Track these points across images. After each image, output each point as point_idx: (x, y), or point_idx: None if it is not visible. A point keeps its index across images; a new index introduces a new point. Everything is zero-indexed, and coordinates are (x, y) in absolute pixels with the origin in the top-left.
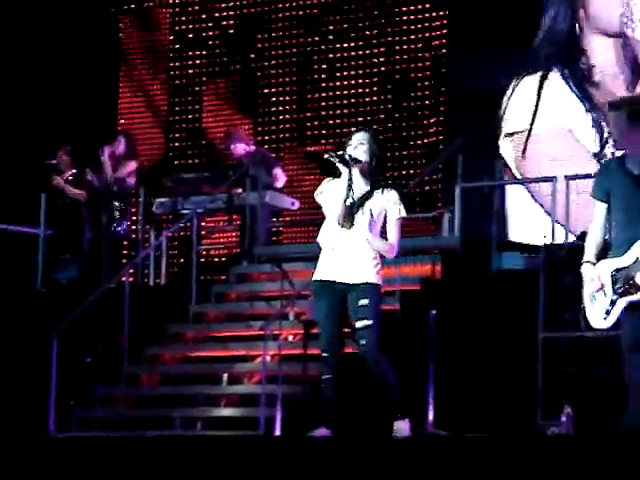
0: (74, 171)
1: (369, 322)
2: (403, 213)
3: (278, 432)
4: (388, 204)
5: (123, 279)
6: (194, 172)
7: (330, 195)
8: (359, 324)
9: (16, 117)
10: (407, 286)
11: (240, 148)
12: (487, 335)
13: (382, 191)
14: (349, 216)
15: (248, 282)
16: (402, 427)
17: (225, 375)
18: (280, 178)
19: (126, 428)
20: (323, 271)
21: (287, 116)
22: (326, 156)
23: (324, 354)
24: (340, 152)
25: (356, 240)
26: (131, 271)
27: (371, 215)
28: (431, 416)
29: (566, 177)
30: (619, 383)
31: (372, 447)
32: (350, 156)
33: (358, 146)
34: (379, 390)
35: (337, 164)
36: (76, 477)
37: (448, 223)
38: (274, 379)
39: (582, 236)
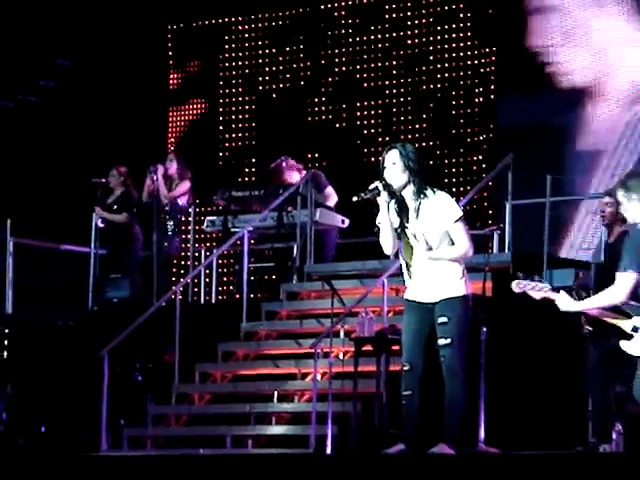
0: (120, 192)
1: (446, 341)
2: (458, 212)
3: (329, 450)
4: (439, 210)
5: (174, 297)
6: (245, 190)
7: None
8: (440, 342)
9: (69, 135)
10: None
11: (294, 176)
12: (538, 352)
13: (429, 199)
14: (407, 245)
15: (298, 300)
16: (442, 451)
17: (276, 393)
18: (332, 197)
19: (177, 446)
20: (409, 291)
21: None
22: (355, 199)
23: (405, 367)
24: (371, 187)
25: (424, 261)
26: (181, 289)
27: (426, 233)
28: (482, 433)
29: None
30: None
31: (419, 464)
32: (383, 184)
33: (390, 167)
34: (442, 409)
35: (377, 199)
36: None
37: (499, 240)
38: (325, 397)
39: None
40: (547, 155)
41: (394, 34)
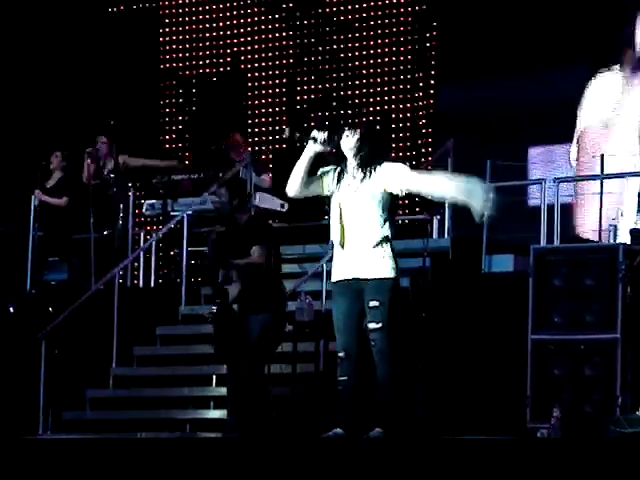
0: (59, 176)
1: (377, 325)
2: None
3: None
4: (386, 176)
5: (113, 280)
6: (184, 173)
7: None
8: (370, 326)
9: (9, 118)
10: None
11: (237, 153)
12: (477, 337)
13: (375, 171)
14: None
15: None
16: (377, 435)
17: (214, 376)
18: (268, 183)
19: (115, 431)
20: (337, 271)
21: (277, 117)
22: (287, 134)
23: (340, 355)
24: (315, 135)
25: (357, 232)
26: (121, 273)
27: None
28: (420, 418)
29: (555, 180)
30: (607, 385)
31: (360, 448)
32: (326, 140)
33: (348, 136)
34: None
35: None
36: (63, 479)
37: (438, 226)
38: None
39: (572, 239)
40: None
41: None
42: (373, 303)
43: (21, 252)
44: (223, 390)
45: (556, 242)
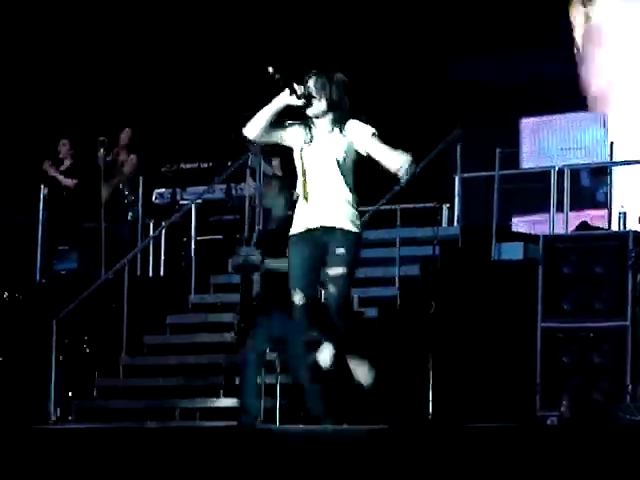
0: (69, 163)
1: (342, 270)
2: (372, 129)
3: (278, 422)
4: (353, 134)
5: (122, 269)
6: (194, 162)
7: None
8: (333, 271)
9: (17, 108)
10: (407, 276)
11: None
12: (486, 325)
13: (344, 129)
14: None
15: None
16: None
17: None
18: (275, 169)
19: (125, 419)
20: (300, 223)
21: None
22: (271, 70)
23: (299, 301)
24: (297, 89)
25: (327, 187)
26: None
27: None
28: (430, 406)
29: (565, 166)
30: (616, 373)
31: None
32: (304, 98)
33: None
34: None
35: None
36: (75, 468)
37: (448, 213)
38: (272, 369)
39: (581, 226)
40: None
41: None
42: (340, 250)
43: (31, 241)
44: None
45: (565, 229)
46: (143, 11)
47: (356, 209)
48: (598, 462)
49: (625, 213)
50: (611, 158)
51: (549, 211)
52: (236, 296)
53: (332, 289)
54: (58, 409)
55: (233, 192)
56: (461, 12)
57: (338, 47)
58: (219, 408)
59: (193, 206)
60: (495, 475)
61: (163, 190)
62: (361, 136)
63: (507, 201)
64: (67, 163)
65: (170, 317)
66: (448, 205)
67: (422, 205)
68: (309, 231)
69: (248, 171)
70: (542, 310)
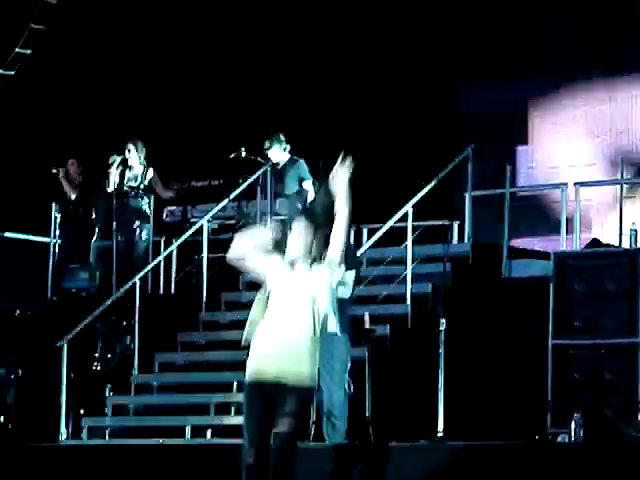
0: (80, 181)
1: None
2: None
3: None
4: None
5: (133, 287)
6: (204, 180)
7: None
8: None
9: (27, 126)
10: (417, 293)
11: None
12: (497, 342)
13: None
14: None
15: (258, 289)
16: None
17: (235, 383)
18: (311, 191)
19: (137, 436)
20: None
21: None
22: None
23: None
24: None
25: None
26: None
27: None
28: (441, 424)
29: (576, 184)
30: (627, 389)
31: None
32: None
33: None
34: None
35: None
36: None
37: (458, 231)
38: None
39: (592, 243)
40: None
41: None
42: None
43: (42, 259)
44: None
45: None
46: (156, 27)
47: None
48: (609, 478)
49: (636, 230)
50: (622, 176)
51: (560, 228)
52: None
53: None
54: (69, 427)
55: (244, 209)
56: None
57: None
58: (230, 426)
59: (204, 223)
60: None
61: (174, 207)
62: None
63: (517, 219)
64: (76, 182)
65: (181, 334)
66: (458, 222)
67: (432, 223)
68: None
69: (259, 188)
70: (553, 327)
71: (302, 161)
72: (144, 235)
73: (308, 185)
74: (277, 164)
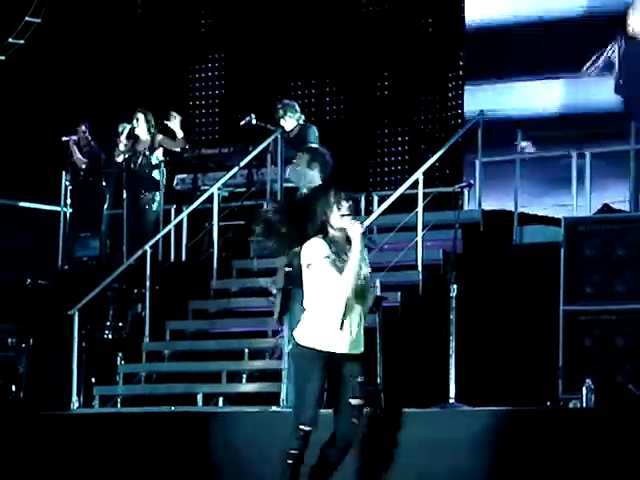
0: (90, 147)
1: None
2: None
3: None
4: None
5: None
6: (215, 147)
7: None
8: (355, 402)
9: (34, 94)
10: (428, 260)
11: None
12: (508, 308)
13: None
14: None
15: (269, 257)
16: None
17: (247, 350)
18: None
19: (148, 405)
20: (331, 343)
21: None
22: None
23: (307, 429)
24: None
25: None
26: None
27: None
28: (453, 390)
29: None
30: (638, 355)
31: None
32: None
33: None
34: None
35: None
36: (98, 453)
37: (469, 197)
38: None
39: (603, 209)
40: None
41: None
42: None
43: (53, 229)
44: (255, 364)
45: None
46: None
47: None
48: (621, 444)
49: None
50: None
51: (571, 194)
52: (259, 281)
53: (354, 420)
54: (81, 396)
55: (255, 177)
56: None
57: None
58: (242, 393)
59: (215, 191)
60: (519, 456)
61: (184, 176)
62: None
63: (528, 185)
64: (86, 150)
65: (192, 302)
66: (469, 189)
67: (443, 189)
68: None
69: (269, 155)
70: (564, 293)
71: (312, 127)
72: (155, 205)
73: None
74: (289, 131)
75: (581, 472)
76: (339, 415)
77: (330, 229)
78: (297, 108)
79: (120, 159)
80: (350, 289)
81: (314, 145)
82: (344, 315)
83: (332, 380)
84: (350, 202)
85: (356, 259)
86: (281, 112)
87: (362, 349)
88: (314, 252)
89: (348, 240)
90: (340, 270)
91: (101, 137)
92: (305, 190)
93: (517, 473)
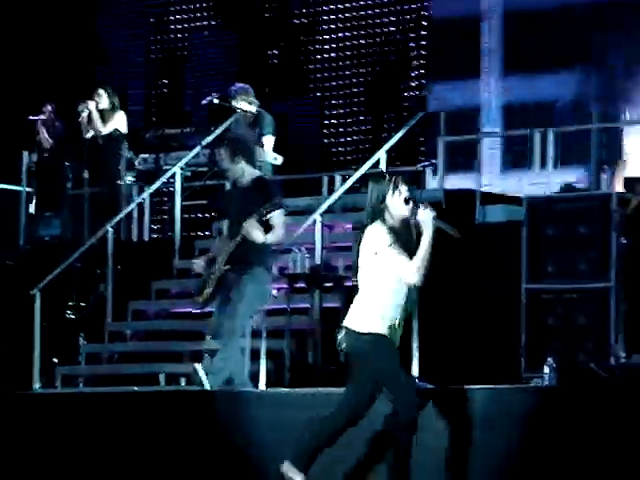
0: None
1: None
2: None
3: (262, 386)
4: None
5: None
6: (177, 127)
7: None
8: None
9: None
10: None
11: (243, 105)
12: (471, 287)
13: None
14: None
15: None
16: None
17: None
18: (268, 145)
19: (110, 384)
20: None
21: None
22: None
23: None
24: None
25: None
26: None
27: None
28: (416, 368)
29: (544, 129)
30: (600, 333)
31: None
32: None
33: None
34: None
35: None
36: (60, 433)
37: (431, 176)
38: (259, 333)
39: (565, 188)
40: None
41: None
42: None
43: (15, 207)
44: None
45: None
46: None
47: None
48: (583, 421)
49: (608, 173)
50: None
51: (533, 173)
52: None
53: None
54: (43, 376)
55: (217, 157)
56: None
57: None
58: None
59: (177, 171)
60: (481, 435)
61: (147, 155)
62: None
63: (491, 164)
64: (51, 129)
65: (155, 282)
66: (432, 168)
67: (405, 168)
68: None
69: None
70: (527, 272)
71: (267, 116)
72: (125, 180)
73: (266, 140)
74: (248, 113)
75: (543, 450)
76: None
77: (388, 216)
78: (249, 91)
79: (88, 136)
80: (420, 278)
81: (234, 135)
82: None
83: None
84: (409, 186)
85: (429, 245)
86: (233, 93)
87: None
88: (380, 240)
89: (406, 227)
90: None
91: (66, 117)
92: (239, 184)
93: (480, 451)
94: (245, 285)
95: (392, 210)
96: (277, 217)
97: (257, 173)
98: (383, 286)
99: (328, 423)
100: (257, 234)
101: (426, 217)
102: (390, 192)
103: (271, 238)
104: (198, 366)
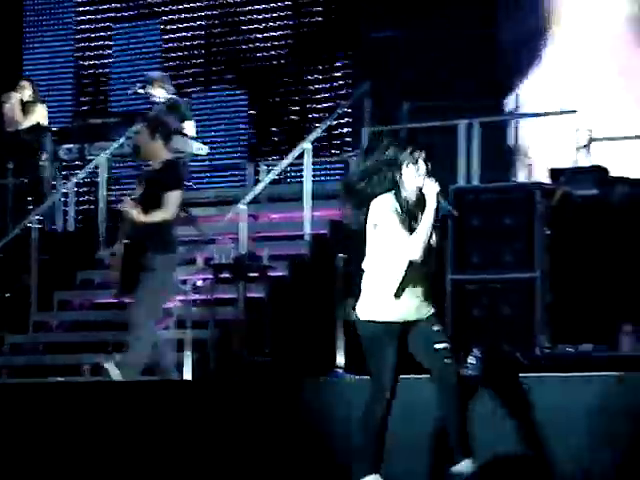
0: None
1: (446, 345)
2: None
3: (188, 376)
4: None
5: (30, 225)
6: (102, 117)
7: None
8: (441, 346)
9: None
10: (316, 230)
11: (160, 93)
12: None
13: None
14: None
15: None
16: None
17: None
18: (190, 131)
19: (35, 375)
20: (393, 311)
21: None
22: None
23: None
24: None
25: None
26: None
27: None
28: (341, 359)
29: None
30: (525, 324)
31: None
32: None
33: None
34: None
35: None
36: None
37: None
38: (184, 324)
39: (490, 180)
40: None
41: None
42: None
43: None
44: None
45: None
46: None
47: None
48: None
49: (534, 164)
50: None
51: (459, 164)
52: None
53: (447, 360)
54: None
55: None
56: None
57: None
58: None
59: (103, 160)
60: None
61: (71, 145)
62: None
63: None
64: None
65: (80, 273)
66: (354, 158)
67: (331, 159)
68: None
69: None
70: (452, 262)
71: (182, 102)
72: (46, 172)
73: (188, 125)
74: (163, 99)
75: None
76: (433, 368)
77: (402, 189)
78: (167, 79)
79: (11, 128)
80: (421, 253)
81: (155, 115)
82: (409, 280)
83: (411, 345)
84: (429, 161)
85: (431, 218)
86: (152, 82)
87: (432, 310)
88: (382, 208)
89: (421, 204)
90: (410, 232)
91: None
92: (156, 166)
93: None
94: (150, 269)
95: (407, 183)
96: (171, 196)
97: (169, 156)
98: (384, 264)
99: (369, 415)
100: (151, 216)
101: (431, 191)
102: (405, 164)
103: (160, 215)
104: (109, 365)
